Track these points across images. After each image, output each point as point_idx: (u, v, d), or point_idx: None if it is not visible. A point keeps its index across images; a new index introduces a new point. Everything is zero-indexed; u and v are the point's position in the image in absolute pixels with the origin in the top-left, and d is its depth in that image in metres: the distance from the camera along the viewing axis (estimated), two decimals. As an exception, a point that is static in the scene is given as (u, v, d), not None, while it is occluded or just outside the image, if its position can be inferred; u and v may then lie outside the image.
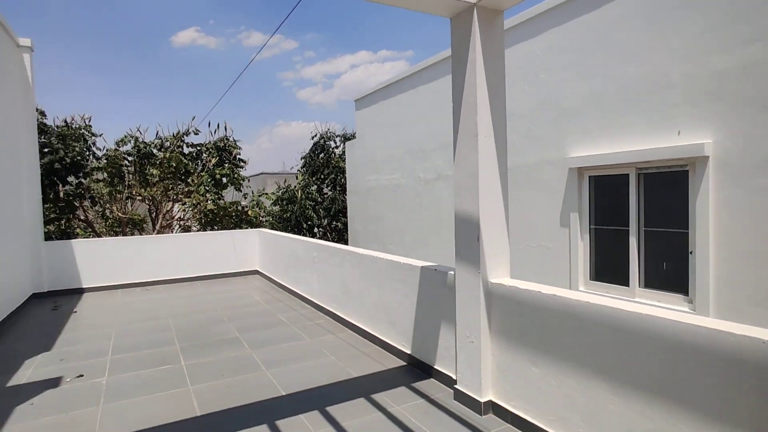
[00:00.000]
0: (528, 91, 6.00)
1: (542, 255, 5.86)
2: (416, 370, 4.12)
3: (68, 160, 9.14)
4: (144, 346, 4.98)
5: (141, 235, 11.33)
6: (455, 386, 3.50)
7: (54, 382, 4.02)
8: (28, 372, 4.31)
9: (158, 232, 10.76)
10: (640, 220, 4.89)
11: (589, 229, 5.39)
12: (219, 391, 3.79)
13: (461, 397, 3.41)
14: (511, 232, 3.46)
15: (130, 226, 10.84)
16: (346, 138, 13.84)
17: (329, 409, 3.39)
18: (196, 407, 3.48)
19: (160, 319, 6.11)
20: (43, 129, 9.13)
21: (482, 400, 3.21)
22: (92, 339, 5.31)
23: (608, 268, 5.27)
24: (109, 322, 6.03)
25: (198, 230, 11.46)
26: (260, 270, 9.48)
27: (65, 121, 9.81)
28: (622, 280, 5.05)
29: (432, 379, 3.91)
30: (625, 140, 4.90)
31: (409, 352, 4.27)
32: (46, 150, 9.08)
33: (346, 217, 13.20)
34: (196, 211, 10.33)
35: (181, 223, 11.34)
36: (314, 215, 11.72)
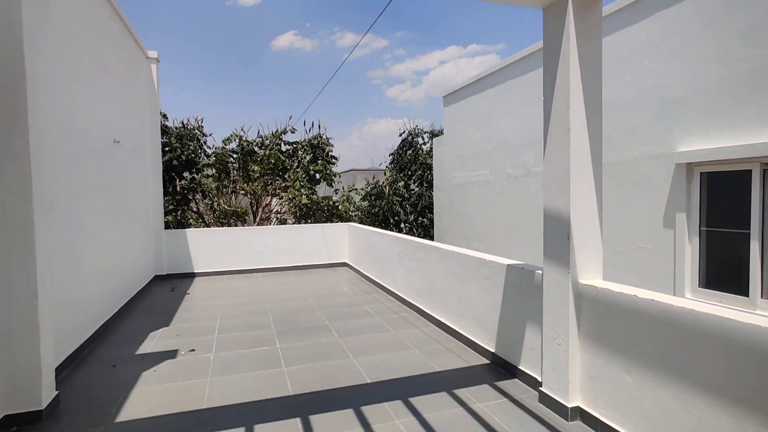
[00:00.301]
0: (628, 81, 5.57)
1: (641, 257, 5.43)
2: (500, 368, 4.06)
3: (184, 158, 10.23)
4: (245, 328, 5.45)
5: (243, 226, 12.34)
6: (540, 388, 3.40)
7: (171, 354, 4.57)
8: (152, 343, 4.94)
9: (258, 224, 11.63)
10: (765, 222, 4.34)
11: (699, 231, 4.89)
12: (309, 373, 4.05)
13: (546, 400, 3.31)
14: (605, 232, 3.27)
15: (234, 217, 11.85)
16: (434, 134, 13.83)
17: (412, 399, 3.48)
18: (289, 387, 3.76)
19: (259, 304, 6.65)
20: (164, 130, 10.30)
21: (569, 405, 3.10)
22: (202, 318, 5.93)
23: (722, 275, 4.75)
24: (215, 304, 6.68)
25: (293, 223, 12.21)
26: (349, 262, 9.87)
27: (182, 123, 10.98)
28: (740, 289, 4.52)
29: (516, 379, 3.83)
30: (747, 132, 4.36)
31: (492, 350, 4.22)
32: (166, 149, 10.24)
33: (433, 213, 13.24)
34: (291, 204, 11.01)
35: (278, 216, 12.15)
36: (401, 211, 11.91)
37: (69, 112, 4.54)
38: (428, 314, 5.64)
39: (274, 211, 11.89)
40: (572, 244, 3.10)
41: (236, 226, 11.97)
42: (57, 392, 3.48)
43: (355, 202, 11.89)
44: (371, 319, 5.77)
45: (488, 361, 4.25)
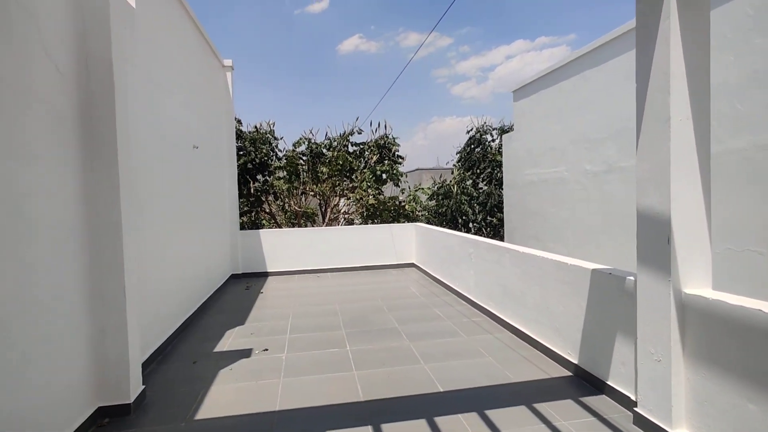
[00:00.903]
0: (733, 63, 4.94)
1: (750, 262, 4.79)
2: (584, 383, 3.73)
3: (257, 161, 10.63)
4: (316, 328, 5.50)
5: (312, 226, 12.63)
6: (635, 409, 3.06)
7: (246, 353, 4.69)
8: (228, 341, 5.11)
9: (327, 225, 11.84)
10: None
11: (826, 231, 4.22)
12: (380, 378, 3.96)
13: (643, 422, 2.96)
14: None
15: (304, 218, 12.15)
16: (503, 131, 13.32)
17: (489, 413, 3.28)
18: (360, 391, 3.70)
19: (329, 305, 6.70)
20: (239, 135, 10.77)
21: (672, 431, 2.74)
22: (275, 317, 6.07)
23: None
24: (287, 304, 6.83)
25: (360, 223, 12.30)
26: (416, 263, 9.74)
27: (255, 127, 11.43)
28: None
29: (604, 396, 3.49)
30: None
31: (575, 361, 3.89)
32: (241, 153, 10.70)
33: (502, 213, 12.76)
34: (359, 205, 11.09)
35: (346, 216, 12.30)
36: (469, 210, 11.59)
37: (154, 119, 4.81)
38: (502, 319, 5.37)
39: (342, 211, 12.05)
40: (673, 247, 2.74)
41: (306, 226, 12.28)
42: (144, 387, 3.67)
43: (421, 201, 11.74)
44: (442, 323, 5.59)
45: (570, 374, 3.93)
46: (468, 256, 6.52)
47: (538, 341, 4.54)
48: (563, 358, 4.07)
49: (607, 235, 7.46)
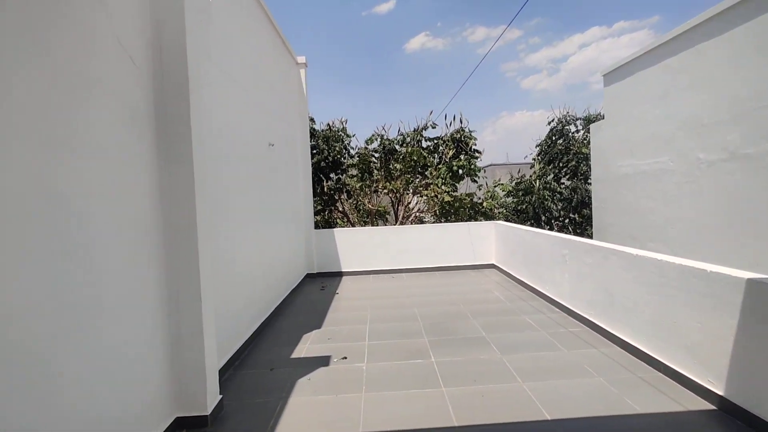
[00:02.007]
0: None
1: None
2: (737, 421, 2.99)
3: (330, 159, 10.49)
4: (395, 335, 5.12)
5: (385, 225, 12.34)
6: (824, 465, 2.33)
7: (324, 361, 4.40)
8: (305, 346, 4.87)
9: (400, 223, 11.48)
10: None
11: None
12: (473, 399, 3.48)
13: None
14: None
15: (377, 216, 11.88)
16: (590, 120, 12.22)
17: (615, 453, 2.69)
18: (452, 415, 3.24)
19: (407, 308, 6.30)
20: (312, 133, 10.69)
21: None
22: (352, 321, 5.77)
23: None
24: (364, 306, 6.52)
25: (432, 222, 11.81)
26: (497, 264, 9.08)
27: (328, 125, 11.32)
28: None
29: (766, 440, 2.76)
30: None
31: (720, 392, 3.16)
32: (314, 151, 10.63)
33: (589, 209, 11.67)
34: (433, 203, 10.60)
35: (419, 214, 11.86)
36: (553, 207, 10.68)
37: (229, 115, 4.66)
38: (607, 331, 4.66)
39: (414, 209, 11.62)
40: None
41: (378, 225, 12.00)
42: (221, 396, 3.47)
43: (500, 197, 11.01)
44: (535, 333, 4.98)
45: (713, 407, 3.20)
46: (561, 257, 5.82)
47: (659, 361, 3.82)
48: (701, 386, 3.34)
49: (725, 235, 6.39)
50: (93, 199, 2.38)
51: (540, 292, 6.62)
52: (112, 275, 2.51)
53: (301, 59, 8.74)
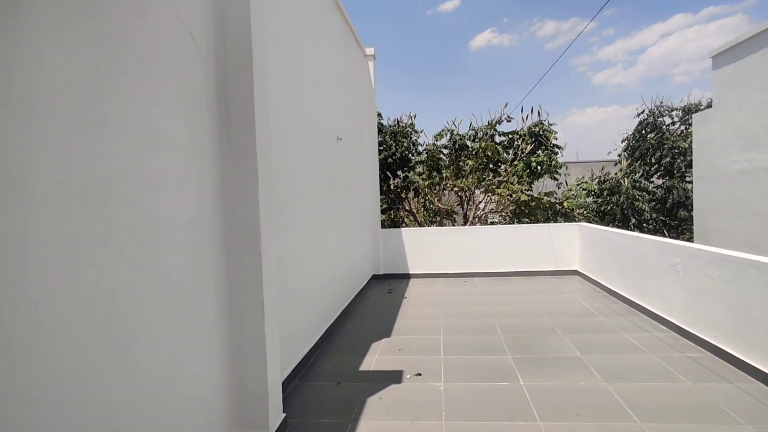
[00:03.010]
0: None
1: None
2: None
3: (398, 155, 10.05)
4: (474, 349, 4.56)
5: (453, 225, 11.71)
6: None
7: (396, 377, 3.94)
8: (374, 358, 4.44)
9: (471, 223, 10.81)
10: None
11: None
12: (580, 440, 2.86)
13: None
14: None
15: (445, 216, 11.29)
16: (689, 110, 10.85)
17: None
18: (557, 461, 2.65)
19: (484, 318, 5.70)
20: (379, 128, 10.31)
21: None
22: (423, 330, 5.27)
23: None
24: (435, 313, 6.00)
25: (502, 223, 11.01)
26: (581, 270, 8.19)
27: (396, 120, 10.89)
28: None
29: None
30: None
31: None
32: (381, 147, 10.24)
33: (686, 211, 10.34)
34: (507, 202, 9.84)
35: (492, 214, 11.12)
36: (646, 208, 9.52)
37: (295, 105, 4.33)
38: (741, 362, 3.81)
39: (487, 209, 10.89)
40: None
41: (445, 225, 11.39)
42: (284, 415, 3.11)
43: (581, 197, 10.01)
44: (642, 357, 4.21)
45: None
46: (672, 267, 4.96)
47: (826, 406, 2.97)
48: None
49: None
50: (147, 193, 2.07)
51: (639, 305, 5.74)
52: (167, 280, 2.19)
53: (370, 51, 8.37)
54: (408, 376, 3.95)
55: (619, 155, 12.28)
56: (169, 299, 2.21)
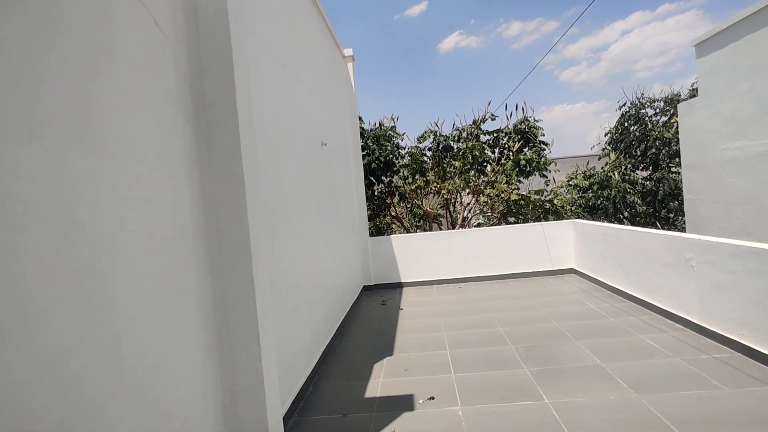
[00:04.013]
0: None
1: None
2: None
3: (382, 160, 9.69)
4: (485, 363, 4.20)
5: (439, 228, 11.39)
6: None
7: (407, 403, 3.55)
8: (379, 381, 4.04)
9: (460, 226, 10.51)
10: None
11: None
12: (629, 468, 2.52)
13: None
14: None
15: (433, 220, 10.96)
16: (672, 101, 10.83)
17: None
18: (611, 498, 2.30)
19: (489, 326, 5.36)
20: (361, 133, 9.93)
21: None
22: (427, 345, 4.90)
23: None
24: (436, 325, 5.63)
25: (490, 224, 10.76)
26: (577, 269, 7.96)
27: (379, 123, 10.53)
28: None
29: None
30: None
31: None
32: (364, 152, 9.85)
33: (677, 202, 10.28)
34: (497, 202, 9.57)
35: (481, 215, 10.85)
36: (637, 201, 9.38)
37: (281, 109, 3.92)
38: (775, 360, 3.55)
39: (474, 211, 10.61)
40: None
41: (433, 229, 11.06)
42: (288, 462, 2.68)
43: (571, 193, 9.83)
44: (667, 361, 3.92)
45: None
46: (685, 262, 4.71)
47: None
48: None
49: None
50: (109, 216, 1.64)
51: (647, 303, 5.50)
52: (137, 320, 1.76)
53: (348, 52, 8.00)
54: (420, 401, 3.56)
55: (604, 149, 12.21)
56: (142, 343, 1.78)
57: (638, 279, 5.77)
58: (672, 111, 10.96)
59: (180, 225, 2.11)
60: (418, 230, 11.62)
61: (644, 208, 9.64)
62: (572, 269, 8.11)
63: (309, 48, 5.31)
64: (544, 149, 9.39)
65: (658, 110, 11.30)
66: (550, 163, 9.11)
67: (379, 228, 11.06)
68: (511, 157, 9.29)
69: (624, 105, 11.74)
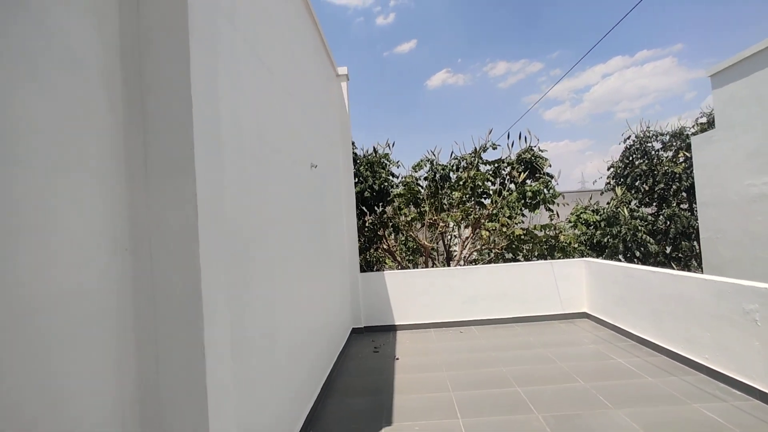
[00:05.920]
0: None
1: None
2: None
3: (376, 188, 8.95)
4: (511, 443, 3.34)
5: (434, 264, 10.58)
6: None
7: (418, 506, 2.65)
8: (377, 466, 3.14)
9: (456, 262, 9.72)
10: None
11: None
12: None
13: None
14: None
15: (429, 256, 10.16)
16: (681, 135, 10.39)
17: None
18: None
19: (505, 386, 4.50)
20: (354, 159, 9.22)
21: None
22: (434, 412, 4.01)
23: None
24: (440, 382, 4.75)
25: (493, 260, 9.99)
26: (590, 312, 7.18)
27: (374, 149, 9.86)
28: None
29: None
30: None
31: None
32: (356, 180, 9.12)
33: (690, 241, 9.67)
34: (499, 237, 8.84)
35: (480, 251, 10.08)
36: (650, 239, 8.73)
37: (266, 121, 3.16)
38: None
39: (477, 246, 9.84)
40: None
41: (427, 264, 10.24)
42: None
43: (583, 229, 9.16)
44: (741, 444, 3.11)
45: None
46: (743, 315, 3.97)
47: None
48: None
49: None
50: (16, 237, 0.82)
51: (688, 359, 4.72)
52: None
53: (343, 70, 7.38)
54: (434, 502, 2.67)
55: (608, 182, 11.68)
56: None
57: (674, 329, 4.99)
58: (678, 145, 10.52)
59: (89, 269, 1.29)
60: (410, 265, 10.79)
61: (656, 247, 8.99)
62: (584, 313, 7.33)
63: (301, 58, 4.62)
64: (550, 181, 8.76)
65: (663, 144, 10.85)
66: (558, 196, 8.47)
67: (368, 262, 10.20)
68: (515, 189, 8.62)
69: (628, 138, 11.29)
